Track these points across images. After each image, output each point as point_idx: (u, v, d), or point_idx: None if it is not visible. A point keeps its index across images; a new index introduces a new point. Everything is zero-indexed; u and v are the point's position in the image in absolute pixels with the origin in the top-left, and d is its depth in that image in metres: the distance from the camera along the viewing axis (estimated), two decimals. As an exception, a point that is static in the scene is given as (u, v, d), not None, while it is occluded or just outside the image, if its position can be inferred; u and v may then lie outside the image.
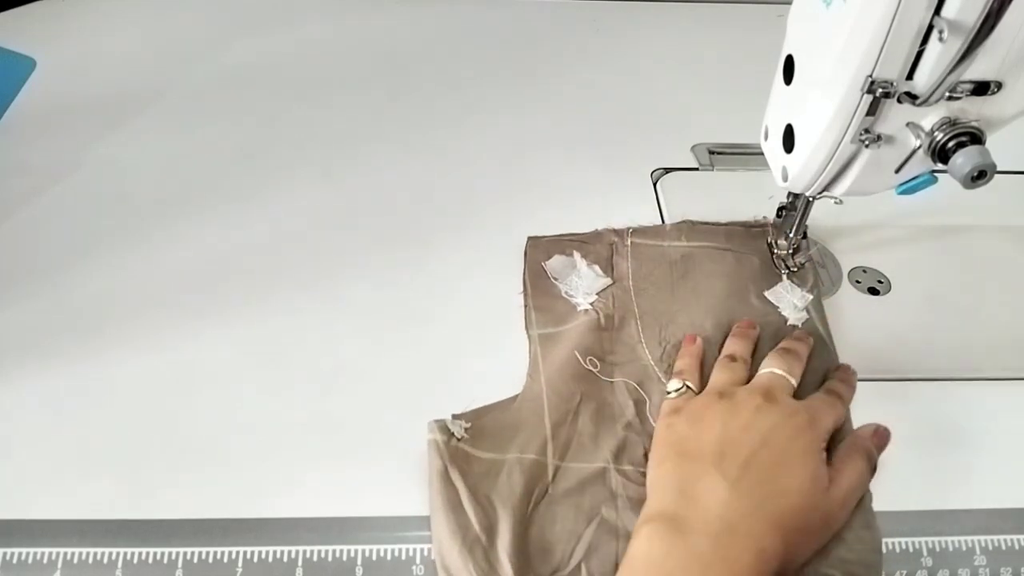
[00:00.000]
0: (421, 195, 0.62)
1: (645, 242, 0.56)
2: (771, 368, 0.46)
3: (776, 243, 0.56)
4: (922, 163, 0.43)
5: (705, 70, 0.75)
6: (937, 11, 0.37)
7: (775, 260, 0.56)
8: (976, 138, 0.40)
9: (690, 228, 0.57)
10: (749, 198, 0.61)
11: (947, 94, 0.40)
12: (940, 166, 0.42)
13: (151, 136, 0.66)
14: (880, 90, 0.40)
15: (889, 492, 0.44)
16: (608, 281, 0.54)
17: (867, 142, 0.42)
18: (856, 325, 0.53)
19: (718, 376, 0.47)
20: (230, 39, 0.77)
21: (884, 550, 0.43)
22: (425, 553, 0.42)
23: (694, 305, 0.53)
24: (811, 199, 0.51)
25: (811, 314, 0.53)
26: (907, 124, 0.42)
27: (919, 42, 0.39)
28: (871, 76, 0.40)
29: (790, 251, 0.56)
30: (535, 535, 0.42)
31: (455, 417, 0.46)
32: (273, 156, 0.65)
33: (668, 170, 0.64)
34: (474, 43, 0.78)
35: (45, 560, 0.41)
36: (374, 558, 0.42)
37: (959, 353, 0.52)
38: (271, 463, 0.45)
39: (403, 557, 0.42)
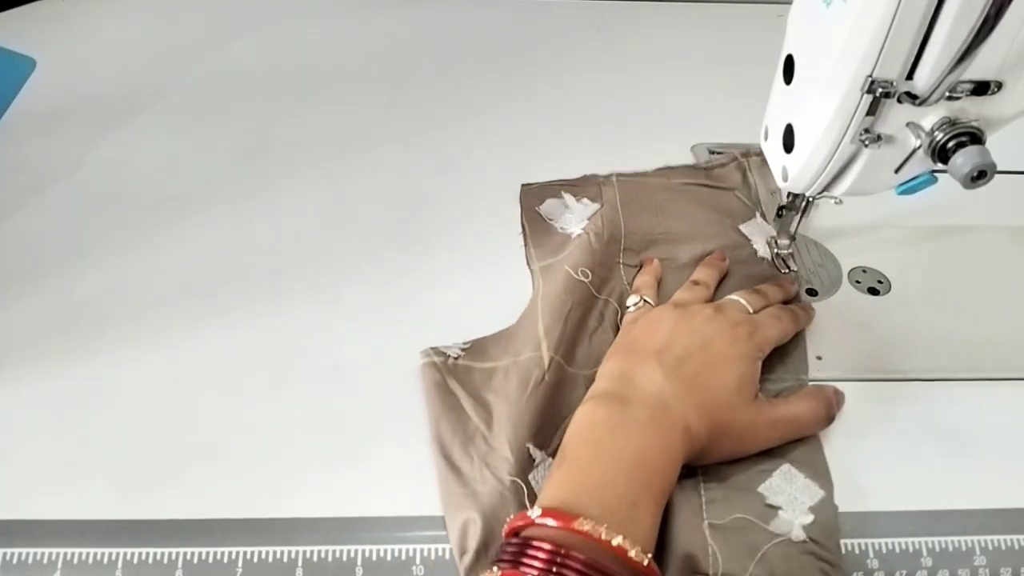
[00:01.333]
0: (421, 195, 0.62)
1: (630, 179, 0.61)
2: (735, 297, 0.50)
3: (776, 242, 0.56)
4: (922, 163, 0.43)
5: (705, 70, 0.75)
6: (937, 11, 0.37)
7: (751, 200, 0.60)
8: (976, 138, 0.40)
9: (670, 169, 0.62)
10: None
11: (947, 94, 0.40)
12: (940, 166, 0.42)
13: (151, 136, 0.66)
14: (880, 90, 0.40)
15: (889, 492, 0.45)
16: (596, 206, 0.58)
17: (867, 142, 0.43)
18: (856, 325, 0.53)
19: (680, 294, 0.51)
20: (230, 39, 0.77)
21: (884, 550, 0.43)
22: (425, 553, 0.42)
23: (675, 229, 0.57)
24: (811, 199, 0.51)
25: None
26: (907, 124, 0.42)
27: (919, 42, 0.39)
28: (871, 76, 0.40)
29: (790, 251, 0.56)
30: (528, 418, 0.45)
31: (461, 345, 0.49)
32: (273, 156, 0.65)
33: (668, 170, 0.64)
34: (474, 43, 0.78)
35: (45, 560, 0.41)
36: (374, 558, 0.42)
37: (959, 353, 0.51)
38: (271, 463, 0.45)
39: (403, 557, 0.42)
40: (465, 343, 0.49)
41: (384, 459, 0.45)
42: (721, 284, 0.53)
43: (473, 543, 0.41)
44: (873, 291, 0.55)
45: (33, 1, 0.80)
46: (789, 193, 0.52)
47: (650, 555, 0.37)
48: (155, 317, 0.53)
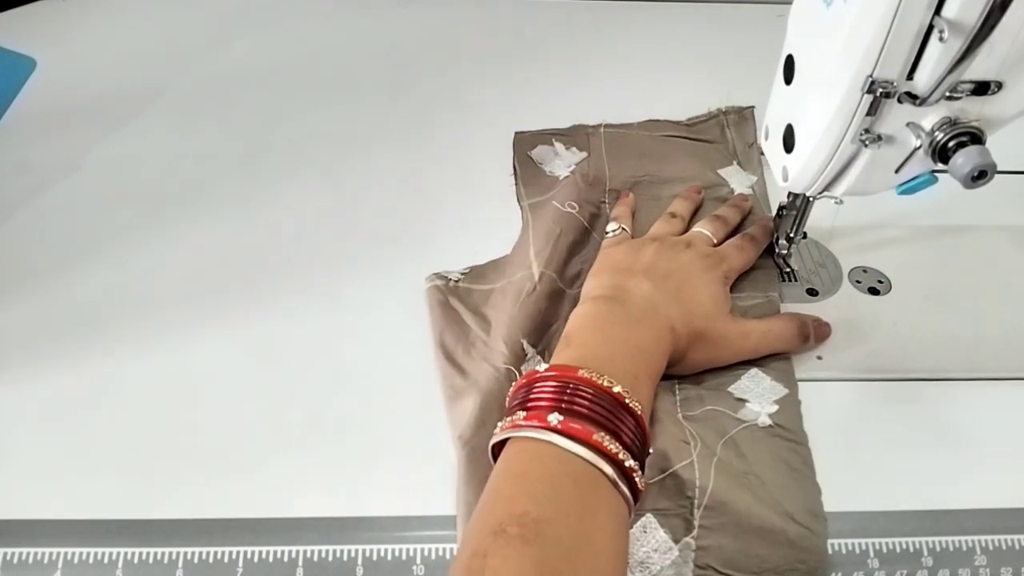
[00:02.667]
0: (422, 194, 0.62)
1: (617, 131, 0.66)
2: (700, 228, 0.55)
3: (776, 242, 0.56)
4: (922, 163, 0.43)
5: (705, 70, 0.75)
6: (937, 11, 0.37)
7: (729, 152, 0.64)
8: (976, 138, 0.40)
9: (655, 123, 0.67)
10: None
11: (947, 94, 0.40)
12: (940, 166, 0.42)
13: (151, 136, 0.66)
14: (880, 90, 0.40)
15: (889, 492, 0.45)
16: (584, 154, 0.64)
17: (867, 142, 0.42)
18: (856, 325, 0.53)
19: (658, 226, 0.56)
20: (230, 39, 0.77)
21: (884, 550, 0.43)
22: (425, 553, 0.42)
23: (657, 172, 0.61)
24: (811, 199, 0.51)
25: (756, 191, 0.61)
26: (907, 124, 0.42)
27: (919, 42, 0.39)
28: (871, 76, 0.40)
29: (789, 251, 0.56)
30: (521, 320, 0.49)
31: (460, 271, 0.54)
32: (273, 156, 0.65)
33: (668, 170, 0.64)
34: (474, 43, 0.78)
35: (45, 560, 0.41)
36: (374, 558, 0.42)
37: (959, 353, 0.51)
38: (272, 463, 0.45)
39: (403, 557, 0.42)
40: (464, 269, 0.54)
41: (384, 459, 0.45)
42: (696, 216, 0.58)
43: (471, 420, 0.45)
44: (873, 291, 0.55)
45: (33, 1, 0.80)
46: (789, 193, 0.52)
47: (642, 409, 0.40)
48: (155, 317, 0.53)
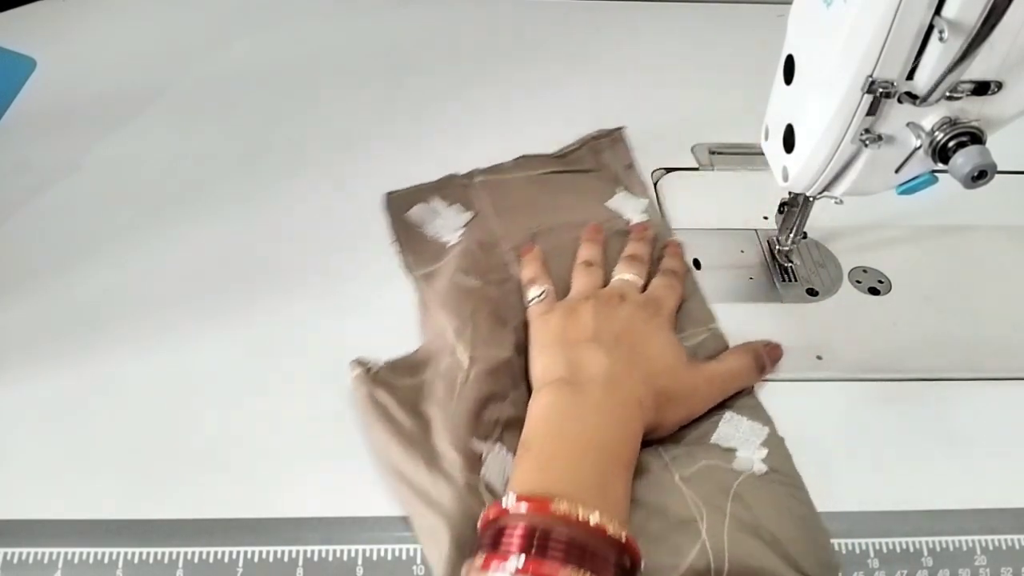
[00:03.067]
0: (421, 195, 0.62)
1: (493, 177, 0.62)
2: (622, 275, 0.52)
3: (777, 240, 0.56)
4: (922, 163, 0.43)
5: (705, 70, 0.75)
6: (937, 11, 0.37)
7: (610, 179, 0.62)
8: (976, 138, 0.40)
9: (527, 159, 0.63)
10: (749, 198, 0.61)
11: (947, 94, 0.40)
12: (940, 166, 0.42)
13: (151, 136, 0.66)
14: (880, 90, 0.40)
15: (889, 492, 0.45)
16: (470, 215, 0.58)
17: (867, 142, 0.43)
18: (856, 325, 0.53)
19: (581, 281, 0.53)
20: (230, 39, 0.77)
21: (884, 550, 0.43)
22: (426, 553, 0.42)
23: (552, 219, 0.58)
24: (811, 199, 0.52)
25: (650, 214, 0.59)
26: (907, 124, 0.42)
27: (919, 42, 0.39)
28: (871, 76, 0.40)
29: (789, 250, 0.56)
30: (464, 416, 0.45)
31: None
32: (273, 156, 0.65)
33: (668, 170, 0.64)
34: (474, 43, 0.78)
35: (45, 560, 0.41)
36: (374, 558, 0.42)
37: (959, 353, 0.52)
38: (271, 463, 0.45)
39: (403, 557, 0.42)
40: (386, 361, 0.48)
41: (384, 459, 0.45)
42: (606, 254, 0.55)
43: (445, 549, 0.40)
44: (873, 291, 0.55)
45: (33, 1, 0.80)
46: (790, 192, 0.52)
47: (625, 530, 0.37)
48: (155, 317, 0.53)
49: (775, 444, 0.46)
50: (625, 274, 0.52)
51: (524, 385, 0.48)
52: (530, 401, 0.45)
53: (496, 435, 0.45)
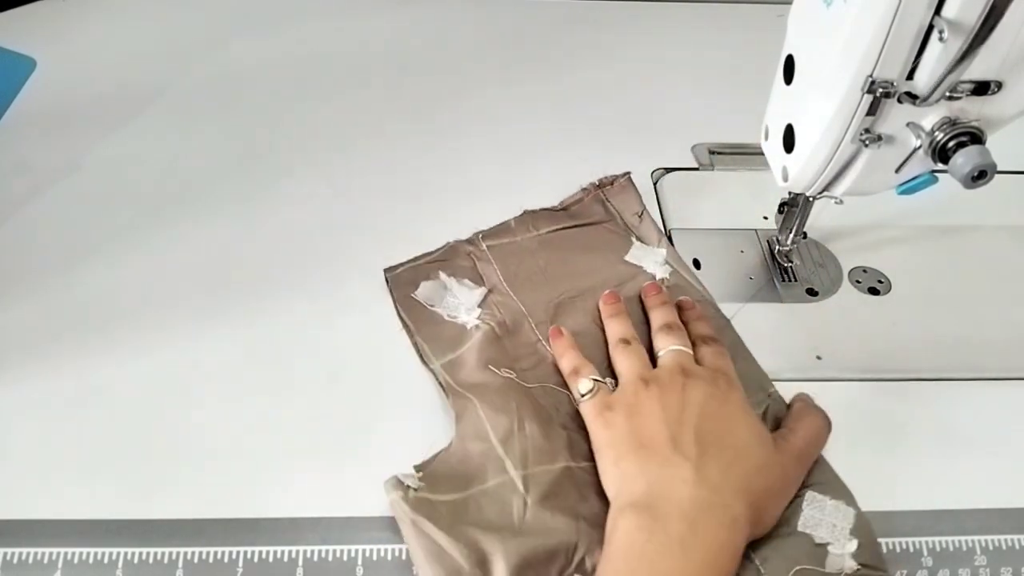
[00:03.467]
0: (421, 194, 0.62)
1: (499, 242, 0.57)
2: (668, 347, 0.48)
3: (777, 240, 0.56)
4: (922, 163, 0.43)
5: (705, 70, 0.75)
6: (937, 11, 0.37)
7: (621, 229, 0.58)
8: (976, 138, 0.40)
9: (533, 217, 0.58)
10: (749, 198, 0.61)
11: (947, 94, 0.40)
12: (940, 166, 0.42)
13: (151, 136, 0.66)
14: (880, 90, 0.40)
15: (890, 492, 0.45)
16: (484, 290, 0.53)
17: (867, 142, 0.43)
18: (856, 325, 0.53)
19: (625, 364, 0.47)
20: (230, 39, 0.77)
21: (884, 550, 0.43)
22: (425, 553, 0.42)
23: (572, 286, 0.54)
24: (811, 199, 0.52)
25: (672, 264, 0.55)
26: (907, 124, 0.42)
27: (919, 42, 0.39)
28: (871, 76, 0.40)
29: (789, 250, 0.56)
30: (533, 546, 0.40)
31: (414, 471, 0.44)
32: (273, 155, 0.65)
33: (668, 170, 0.64)
34: (474, 43, 0.78)
35: (45, 560, 0.41)
36: (374, 558, 0.42)
37: (959, 353, 0.51)
38: (271, 463, 0.45)
39: (403, 557, 0.42)
40: (418, 468, 0.44)
41: (384, 459, 0.45)
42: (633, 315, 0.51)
43: None
44: (873, 291, 0.55)
45: (33, 1, 0.80)
46: (790, 192, 0.52)
47: None
48: (155, 317, 0.53)
49: (863, 531, 0.42)
50: (673, 345, 0.47)
51: (591, 493, 0.43)
52: (608, 519, 0.41)
53: (574, 564, 0.41)
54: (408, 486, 0.42)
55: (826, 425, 0.46)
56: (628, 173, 0.61)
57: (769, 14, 0.81)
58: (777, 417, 0.47)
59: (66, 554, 0.41)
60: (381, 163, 0.64)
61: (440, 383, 0.48)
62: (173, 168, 0.64)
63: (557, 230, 0.58)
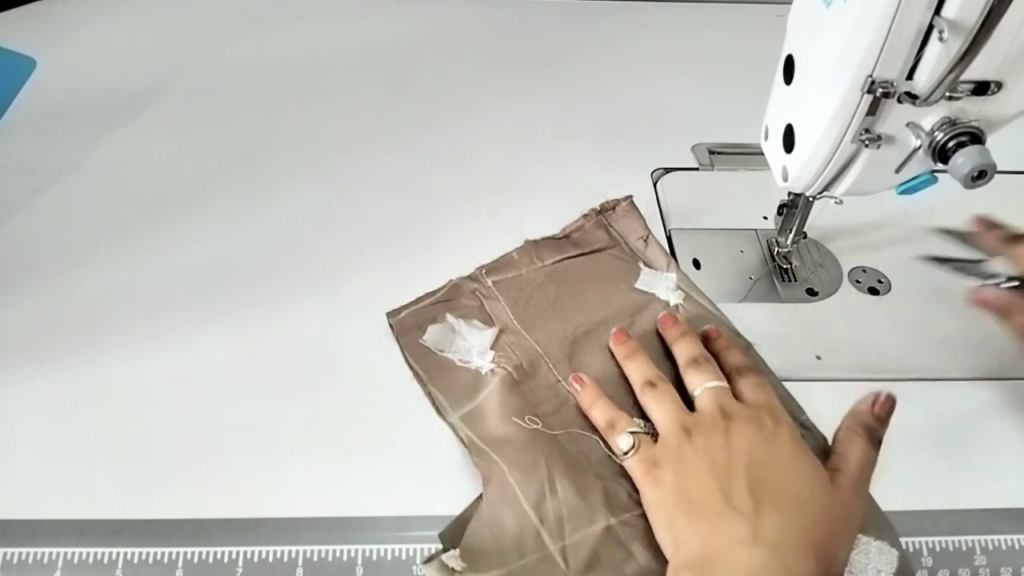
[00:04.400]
0: (421, 194, 0.62)
1: (504, 277, 0.54)
2: (704, 385, 0.44)
3: (776, 240, 0.56)
4: (922, 163, 0.43)
5: (705, 70, 0.75)
6: (937, 11, 0.37)
7: (627, 255, 0.56)
8: (976, 138, 0.40)
9: (536, 247, 0.56)
10: (749, 198, 0.61)
11: (947, 94, 0.40)
12: (940, 166, 0.42)
13: (151, 136, 0.66)
14: (880, 90, 0.40)
15: (889, 492, 0.44)
16: (495, 331, 0.51)
17: (867, 142, 0.43)
18: (856, 325, 0.53)
19: (659, 410, 0.44)
20: (230, 39, 0.77)
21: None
22: (425, 553, 0.42)
23: (585, 319, 0.52)
24: (811, 199, 0.52)
25: (684, 288, 0.54)
26: (907, 124, 0.42)
27: (919, 42, 0.39)
28: (871, 76, 0.40)
29: (789, 250, 0.56)
30: None
31: (443, 547, 0.41)
32: (273, 155, 0.65)
33: (668, 170, 0.64)
34: (474, 43, 0.78)
35: (45, 560, 0.41)
36: (374, 558, 0.42)
37: (959, 353, 0.52)
38: (271, 463, 0.45)
39: (403, 557, 0.42)
40: (456, 549, 0.41)
41: (384, 459, 0.45)
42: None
43: None
44: (873, 291, 0.55)
45: (33, 1, 0.80)
46: (790, 192, 0.52)
47: None
48: (155, 317, 0.53)
49: (905, 573, 0.41)
50: (707, 382, 0.44)
51: (637, 547, 0.41)
52: None
53: None
54: (452, 568, 0.40)
55: (870, 444, 0.42)
56: (630, 197, 0.59)
57: (769, 14, 0.81)
58: (816, 446, 0.45)
59: (66, 554, 0.41)
60: (381, 162, 0.64)
61: (460, 438, 0.46)
62: (173, 168, 0.64)
63: (562, 260, 0.55)
